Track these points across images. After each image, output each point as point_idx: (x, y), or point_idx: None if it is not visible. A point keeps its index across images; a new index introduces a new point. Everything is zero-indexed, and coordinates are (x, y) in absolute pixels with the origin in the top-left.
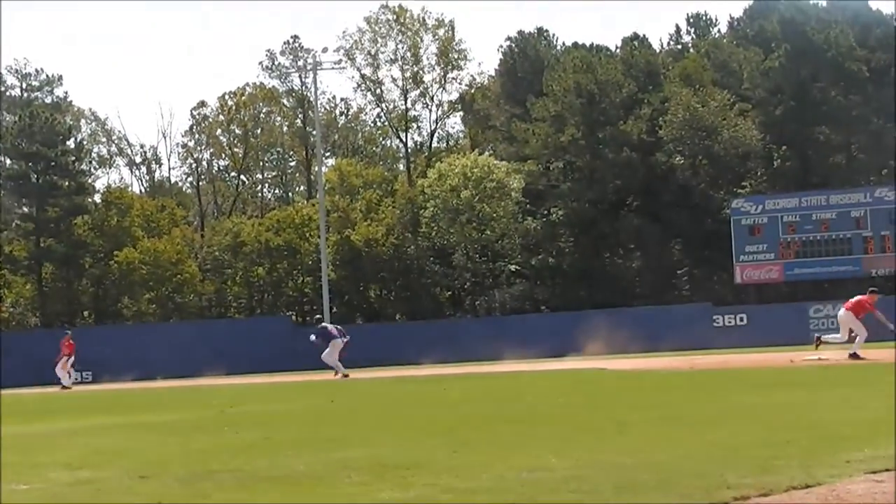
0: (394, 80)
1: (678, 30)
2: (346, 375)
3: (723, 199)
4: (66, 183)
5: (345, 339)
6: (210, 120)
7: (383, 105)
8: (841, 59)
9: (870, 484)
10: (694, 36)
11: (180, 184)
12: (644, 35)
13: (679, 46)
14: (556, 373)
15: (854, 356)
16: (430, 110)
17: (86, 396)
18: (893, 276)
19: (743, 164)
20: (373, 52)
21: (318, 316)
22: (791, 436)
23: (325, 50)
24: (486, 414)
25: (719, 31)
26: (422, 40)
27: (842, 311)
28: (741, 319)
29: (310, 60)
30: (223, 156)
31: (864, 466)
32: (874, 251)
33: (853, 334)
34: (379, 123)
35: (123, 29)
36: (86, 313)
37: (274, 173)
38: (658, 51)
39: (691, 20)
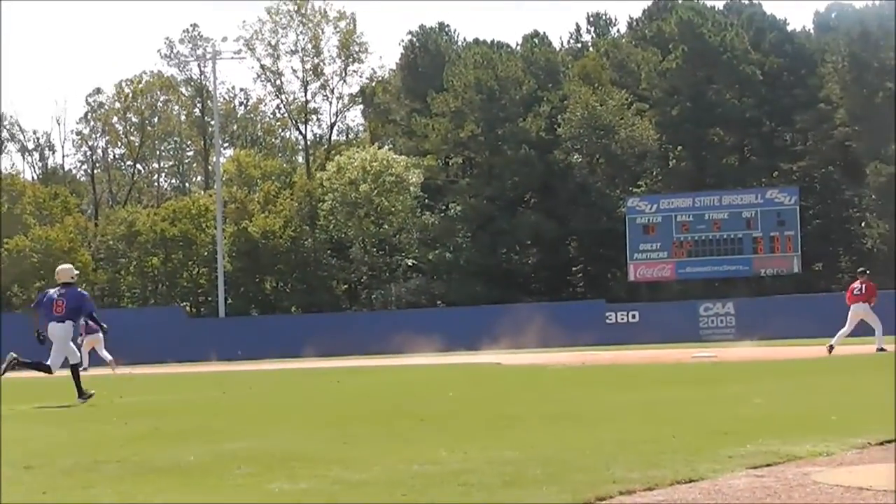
0: (294, 71)
1: (578, 28)
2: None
3: (619, 197)
4: None
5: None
6: (106, 107)
7: (283, 96)
8: (736, 62)
9: (751, 479)
10: (594, 35)
11: (74, 171)
12: (544, 33)
13: (579, 45)
14: (450, 367)
15: (882, 350)
16: (331, 103)
17: None
18: (781, 277)
19: (639, 163)
20: (273, 42)
21: None
22: (676, 431)
23: (224, 39)
24: (378, 407)
25: (618, 30)
26: (323, 32)
27: (857, 305)
28: (633, 317)
29: (209, 49)
30: (119, 144)
31: (745, 462)
32: (764, 251)
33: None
34: (278, 115)
35: (16, 11)
36: None
37: (171, 163)
38: (558, 49)
39: (591, 19)
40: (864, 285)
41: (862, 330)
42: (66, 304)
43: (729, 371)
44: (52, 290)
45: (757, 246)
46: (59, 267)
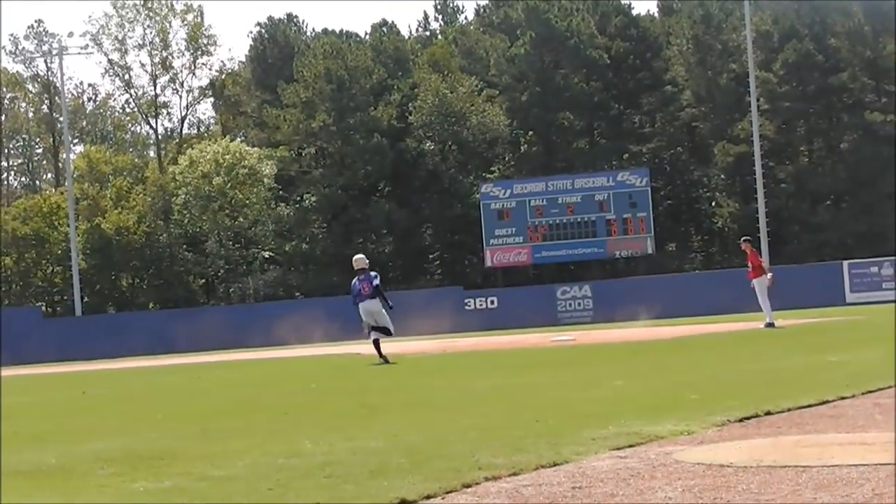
0: (142, 65)
1: (426, 16)
2: None
3: (472, 183)
4: None
5: None
6: None
7: (132, 91)
8: (582, 47)
9: (614, 460)
10: (442, 23)
11: None
12: (393, 22)
13: (427, 33)
14: (310, 359)
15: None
16: (181, 96)
17: None
18: (635, 258)
19: (491, 149)
20: (120, 37)
21: None
22: (539, 415)
23: (71, 35)
24: (240, 401)
25: (466, 18)
26: (170, 25)
27: (754, 282)
28: (492, 303)
29: (55, 45)
30: None
31: (608, 443)
32: (617, 233)
33: None
34: (128, 109)
35: None
36: None
37: (20, 160)
38: (407, 37)
39: (439, 7)
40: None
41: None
42: (370, 284)
43: (588, 354)
44: (354, 280)
45: (610, 228)
46: (356, 257)
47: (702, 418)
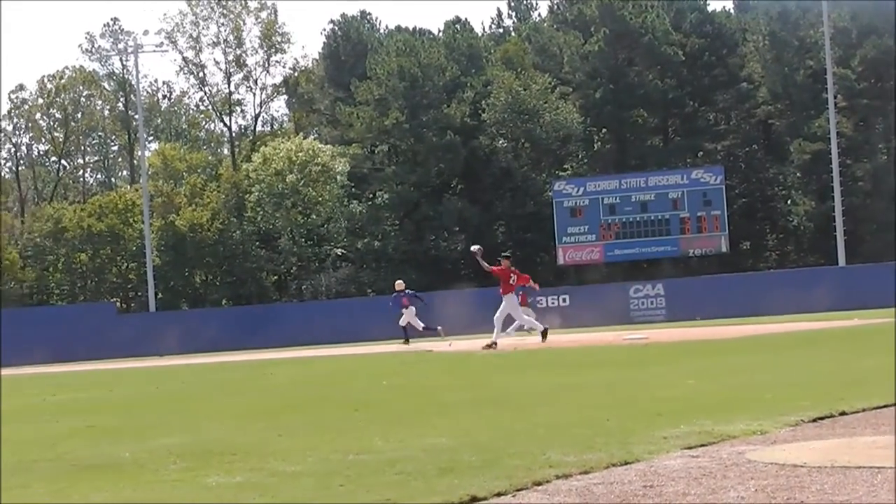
0: (216, 63)
1: (500, 14)
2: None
3: (544, 181)
4: None
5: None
6: (29, 104)
7: (206, 88)
8: (657, 44)
9: (686, 459)
10: (515, 20)
11: None
12: (466, 19)
13: (501, 30)
14: (382, 356)
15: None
16: (254, 94)
17: None
18: (709, 257)
19: (564, 146)
20: (195, 35)
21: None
22: (610, 414)
23: (146, 33)
24: (311, 398)
25: (540, 15)
26: (244, 23)
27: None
28: (564, 300)
29: (130, 43)
30: (43, 140)
31: (680, 442)
32: (691, 231)
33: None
34: (202, 107)
35: None
36: None
37: (96, 158)
38: (480, 34)
39: (512, 4)
40: (515, 275)
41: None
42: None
43: (661, 352)
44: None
45: (684, 226)
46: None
47: (775, 418)
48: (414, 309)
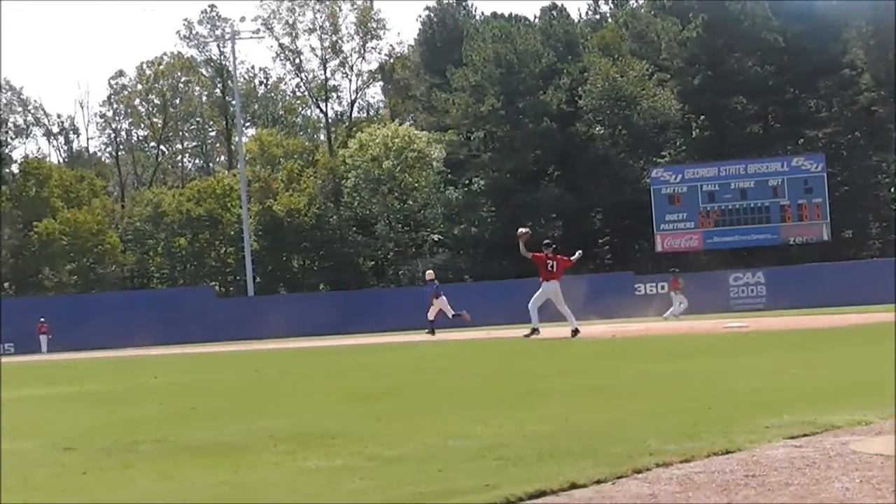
0: (313, 49)
1: (596, 0)
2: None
3: (642, 168)
4: None
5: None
6: (128, 89)
7: (302, 75)
8: (756, 30)
9: (789, 449)
10: (612, 6)
11: (99, 154)
12: (562, 5)
13: (597, 16)
14: (480, 342)
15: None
16: (350, 80)
17: (7, 368)
18: (810, 245)
19: (662, 133)
20: (291, 21)
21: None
22: (711, 402)
23: (242, 19)
24: (409, 383)
25: (637, 1)
26: (340, 10)
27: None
28: (662, 288)
29: (228, 30)
30: (142, 126)
31: (782, 432)
32: (791, 220)
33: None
34: (298, 93)
35: None
36: (6, 284)
37: (194, 143)
38: (576, 21)
39: None
40: (554, 261)
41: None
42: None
43: (761, 341)
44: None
45: (784, 214)
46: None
47: (880, 408)
48: (444, 298)
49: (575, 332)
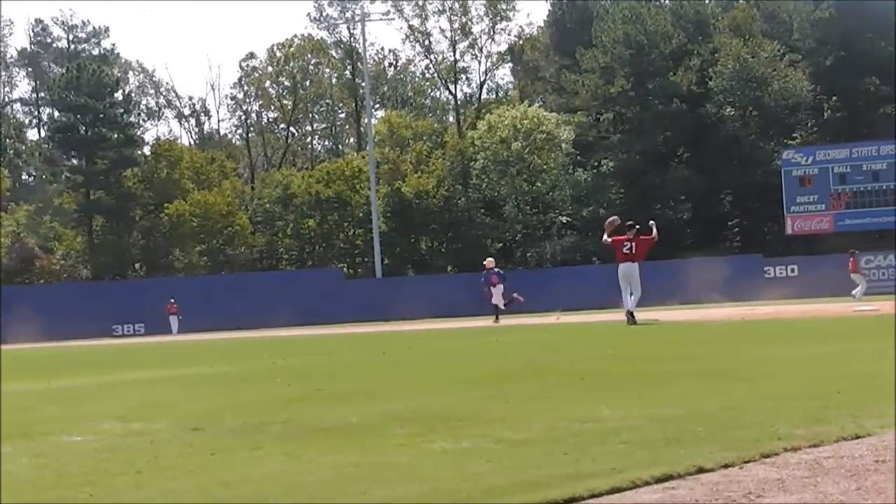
0: (442, 31)
1: None
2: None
3: (773, 150)
4: (115, 135)
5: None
6: (259, 72)
7: (432, 56)
8: (889, 10)
9: None
10: None
11: (230, 136)
12: None
13: None
14: (606, 324)
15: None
16: (479, 62)
17: (137, 349)
18: None
19: (793, 115)
20: (420, 2)
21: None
22: (841, 386)
23: (373, 1)
24: (535, 365)
25: None
26: None
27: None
28: (792, 270)
29: (357, 11)
30: (272, 108)
31: None
32: None
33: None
34: (428, 75)
35: None
36: (136, 265)
37: (323, 125)
38: (707, 1)
39: None
40: (633, 243)
41: None
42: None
43: (892, 324)
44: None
45: None
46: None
47: None
48: (502, 287)
49: (630, 315)
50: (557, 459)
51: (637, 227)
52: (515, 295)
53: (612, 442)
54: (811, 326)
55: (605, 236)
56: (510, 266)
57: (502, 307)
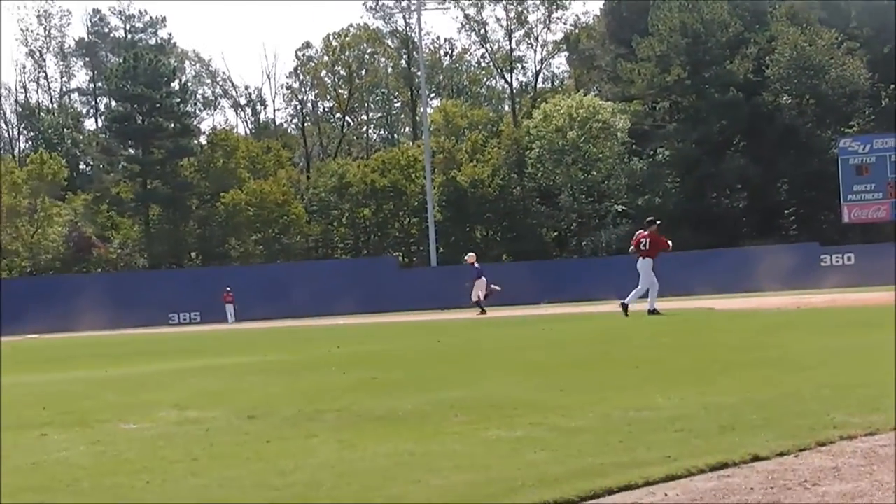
0: (498, 20)
1: None
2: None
3: (829, 138)
4: (171, 125)
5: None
6: (315, 61)
7: (488, 45)
8: None
9: None
10: None
11: (285, 125)
12: None
13: None
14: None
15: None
16: (535, 51)
17: (192, 337)
18: None
19: (850, 103)
20: None
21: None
22: None
23: None
24: (590, 354)
25: None
26: None
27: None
28: (849, 259)
29: (413, 1)
30: (328, 97)
31: None
32: None
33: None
34: (483, 64)
35: None
36: (192, 254)
37: (379, 114)
38: None
39: None
40: (647, 239)
41: None
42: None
43: None
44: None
45: None
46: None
47: None
48: (484, 280)
49: (624, 307)
50: (612, 448)
51: (657, 222)
52: (493, 286)
53: (667, 430)
54: (867, 315)
55: (633, 248)
56: (565, 255)
57: (482, 299)
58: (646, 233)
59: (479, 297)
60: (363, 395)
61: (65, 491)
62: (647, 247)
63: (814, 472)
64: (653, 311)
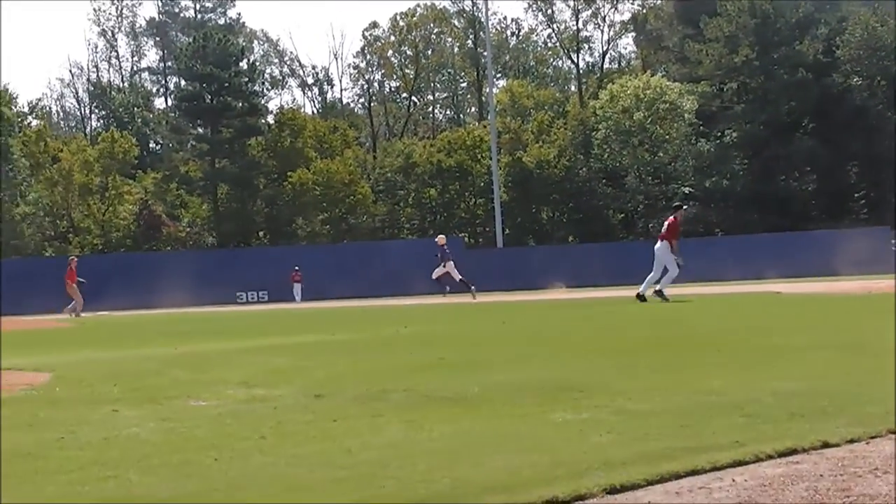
0: (565, 0)
1: None
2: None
3: None
4: (240, 104)
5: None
6: (381, 41)
7: (554, 26)
8: None
9: None
10: None
11: (352, 105)
12: None
13: None
14: (730, 296)
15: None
16: (602, 31)
17: (260, 316)
18: None
19: None
20: None
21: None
22: None
23: None
24: (659, 337)
25: None
26: None
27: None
28: None
29: None
30: (394, 77)
31: None
32: None
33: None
34: (550, 44)
35: None
36: (260, 233)
37: (445, 94)
38: None
39: None
40: (666, 222)
41: None
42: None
43: None
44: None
45: None
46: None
47: None
48: (453, 262)
49: (640, 297)
50: (679, 431)
51: (685, 207)
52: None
53: (734, 415)
54: None
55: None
56: (632, 237)
57: (457, 280)
58: (671, 217)
59: (444, 275)
60: (430, 376)
61: (135, 466)
62: (663, 229)
63: (885, 460)
64: (658, 293)
